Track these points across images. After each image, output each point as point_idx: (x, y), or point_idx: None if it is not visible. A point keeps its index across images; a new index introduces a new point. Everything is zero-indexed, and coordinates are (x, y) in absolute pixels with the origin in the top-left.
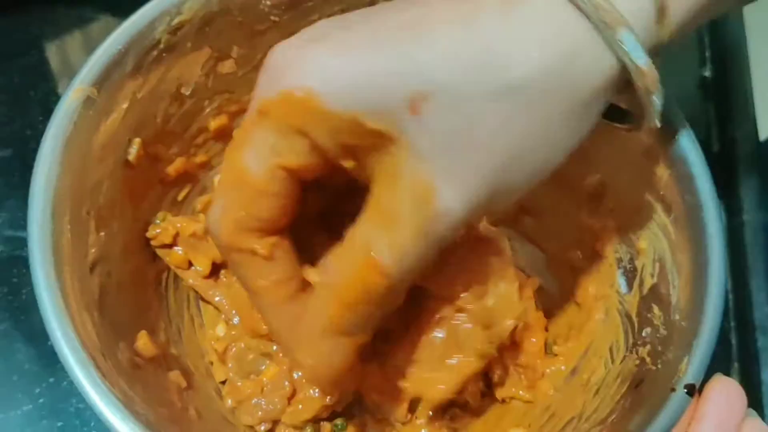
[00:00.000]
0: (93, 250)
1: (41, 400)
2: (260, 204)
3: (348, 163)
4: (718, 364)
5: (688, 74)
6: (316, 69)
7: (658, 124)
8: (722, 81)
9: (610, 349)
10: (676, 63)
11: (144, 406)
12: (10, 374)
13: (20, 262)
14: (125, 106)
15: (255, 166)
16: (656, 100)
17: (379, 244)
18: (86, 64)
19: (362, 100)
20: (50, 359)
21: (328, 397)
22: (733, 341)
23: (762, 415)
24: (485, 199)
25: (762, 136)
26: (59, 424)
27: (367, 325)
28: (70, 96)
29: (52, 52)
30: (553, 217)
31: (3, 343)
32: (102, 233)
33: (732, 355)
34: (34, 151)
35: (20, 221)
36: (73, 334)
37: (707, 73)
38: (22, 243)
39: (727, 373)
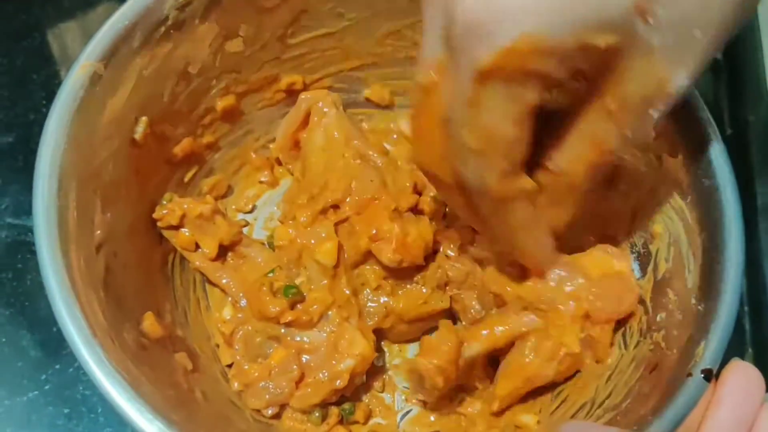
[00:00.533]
0: (99, 231)
1: (47, 387)
2: (516, 149)
3: (579, 83)
4: (731, 350)
5: None
6: (525, 12)
7: None
8: (734, 63)
9: (623, 335)
10: None
11: (151, 387)
12: (16, 360)
13: (25, 248)
14: (132, 83)
15: (503, 122)
16: None
17: (610, 135)
18: (93, 39)
19: (587, 21)
20: (56, 346)
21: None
22: (747, 327)
23: None
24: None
25: None
26: (66, 410)
27: None
28: (76, 71)
29: (54, 35)
30: None
31: (8, 329)
32: (108, 213)
33: (746, 340)
34: (38, 135)
35: (24, 206)
36: (79, 313)
37: (719, 56)
38: (27, 229)
39: (741, 359)
